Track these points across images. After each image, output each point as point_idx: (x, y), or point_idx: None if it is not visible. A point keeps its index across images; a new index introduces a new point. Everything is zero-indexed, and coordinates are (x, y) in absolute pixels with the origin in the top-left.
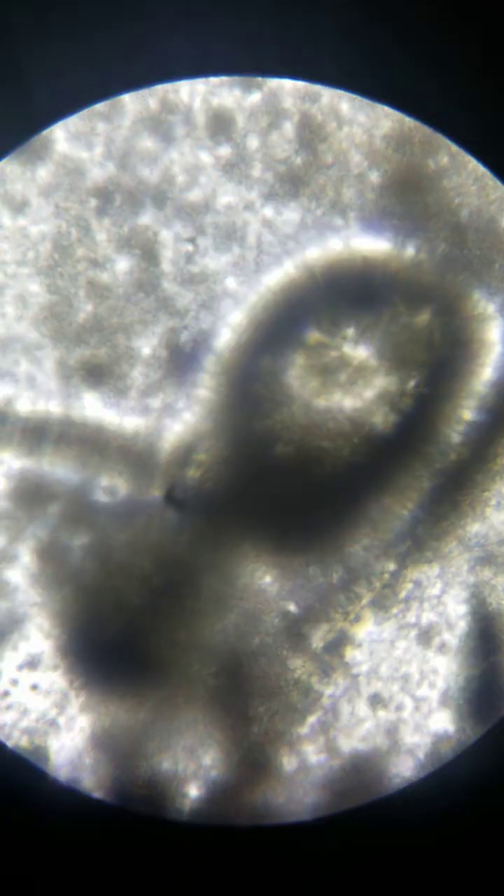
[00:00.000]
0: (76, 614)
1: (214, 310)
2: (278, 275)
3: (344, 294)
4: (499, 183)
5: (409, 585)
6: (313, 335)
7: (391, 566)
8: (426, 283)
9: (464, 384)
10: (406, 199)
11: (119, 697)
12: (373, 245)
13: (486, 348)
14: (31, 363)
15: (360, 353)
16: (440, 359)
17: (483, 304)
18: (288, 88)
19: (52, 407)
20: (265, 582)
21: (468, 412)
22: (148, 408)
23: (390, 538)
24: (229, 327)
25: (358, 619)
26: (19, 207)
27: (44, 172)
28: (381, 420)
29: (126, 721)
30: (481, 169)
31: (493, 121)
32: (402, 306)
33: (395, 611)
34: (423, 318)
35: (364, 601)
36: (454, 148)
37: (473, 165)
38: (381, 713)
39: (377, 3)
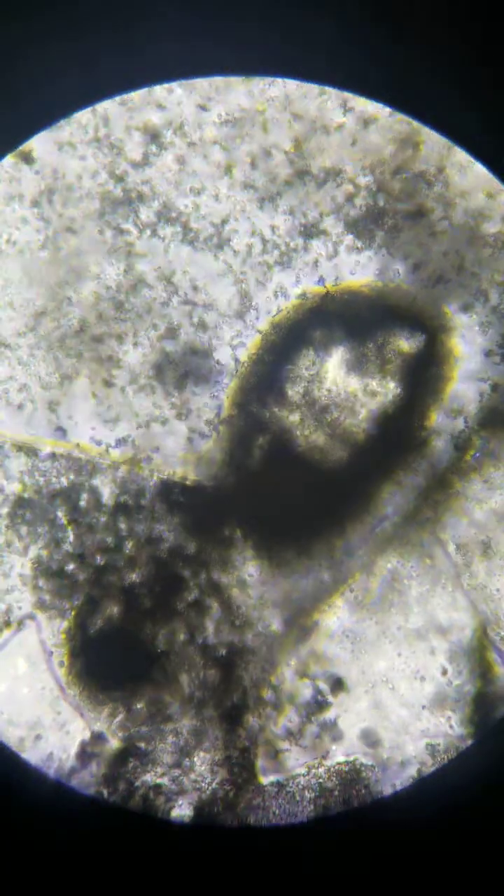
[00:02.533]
0: (72, 614)
1: (205, 319)
2: (271, 287)
3: (331, 318)
4: (499, 183)
5: (386, 574)
6: (305, 354)
7: (370, 560)
8: (405, 304)
9: (436, 393)
10: (395, 202)
11: (113, 697)
12: (357, 272)
13: (455, 360)
14: (22, 369)
15: (343, 372)
16: (415, 371)
17: (454, 319)
18: (283, 91)
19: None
20: (254, 577)
21: (437, 417)
22: (140, 413)
23: (370, 532)
24: (222, 338)
25: (333, 608)
26: (10, 210)
27: (34, 177)
28: (363, 426)
29: (121, 721)
30: (481, 172)
31: (493, 121)
32: (384, 331)
33: (369, 601)
34: (401, 340)
35: (342, 592)
36: (449, 147)
37: (468, 165)
38: (374, 713)
39: (377, 3)
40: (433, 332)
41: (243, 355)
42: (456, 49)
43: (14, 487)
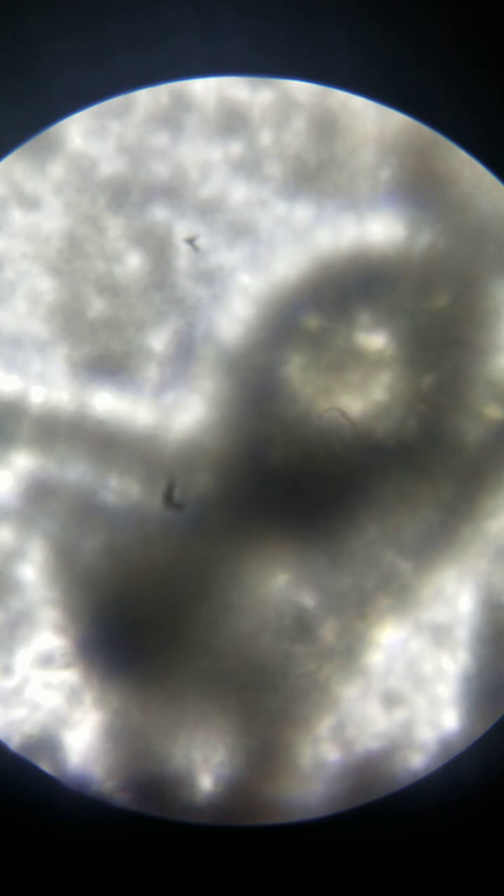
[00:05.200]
0: (88, 611)
1: (226, 306)
2: (291, 271)
3: (358, 282)
4: (501, 184)
5: (429, 586)
6: (323, 323)
7: (408, 565)
8: (441, 268)
9: (479, 376)
10: (418, 196)
11: (130, 693)
12: (387, 231)
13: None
14: (42, 359)
15: (375, 340)
16: (455, 347)
17: (498, 293)
18: (299, 86)
19: (63, 403)
20: (279, 581)
21: (485, 407)
22: (159, 404)
23: (407, 538)
24: (241, 323)
25: (375, 622)
26: (31, 203)
27: (56, 167)
28: (396, 414)
29: (137, 718)
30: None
31: (493, 120)
32: (417, 293)
33: (412, 610)
34: (440, 302)
35: (382, 603)
36: (460, 152)
37: (479, 169)
38: (393, 710)
39: (390, 4)
40: (476, 302)
41: (248, 338)
42: (456, 49)
43: (27, 482)
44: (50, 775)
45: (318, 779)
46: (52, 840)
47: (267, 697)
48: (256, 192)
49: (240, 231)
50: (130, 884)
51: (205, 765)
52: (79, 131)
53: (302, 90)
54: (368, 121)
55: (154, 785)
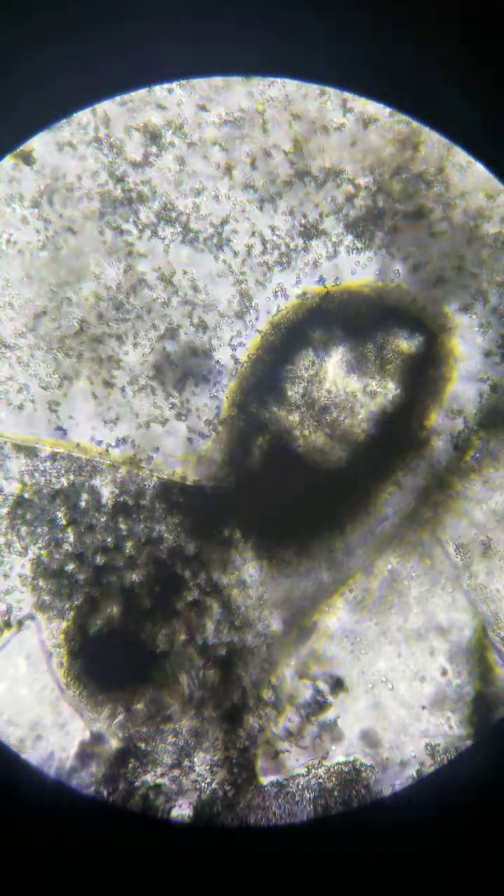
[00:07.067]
0: (71, 615)
1: (205, 319)
2: (271, 288)
3: (330, 318)
4: (498, 182)
5: (386, 575)
6: (305, 354)
7: (369, 560)
8: (405, 304)
9: (436, 393)
10: (395, 203)
11: (113, 697)
12: (357, 272)
13: (454, 360)
14: (22, 369)
15: (342, 373)
16: (415, 372)
17: (454, 319)
18: (283, 91)
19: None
20: (254, 577)
21: (438, 417)
22: (140, 413)
23: (370, 532)
24: (222, 338)
25: (331, 609)
26: (10, 211)
27: (34, 178)
28: (363, 426)
29: (121, 721)
30: (478, 171)
31: (493, 121)
32: (384, 331)
33: (369, 602)
34: (401, 340)
35: (342, 592)
36: (449, 147)
37: (468, 166)
38: (374, 713)
39: (378, 3)
40: (433, 333)
41: (243, 355)
42: (456, 49)
43: (14, 488)
44: (35, 769)
45: (297, 786)
46: (31, 832)
47: (246, 698)
48: (235, 203)
49: (219, 242)
50: (112, 881)
51: (185, 767)
52: (57, 142)
53: (282, 96)
54: (349, 125)
55: (137, 785)
